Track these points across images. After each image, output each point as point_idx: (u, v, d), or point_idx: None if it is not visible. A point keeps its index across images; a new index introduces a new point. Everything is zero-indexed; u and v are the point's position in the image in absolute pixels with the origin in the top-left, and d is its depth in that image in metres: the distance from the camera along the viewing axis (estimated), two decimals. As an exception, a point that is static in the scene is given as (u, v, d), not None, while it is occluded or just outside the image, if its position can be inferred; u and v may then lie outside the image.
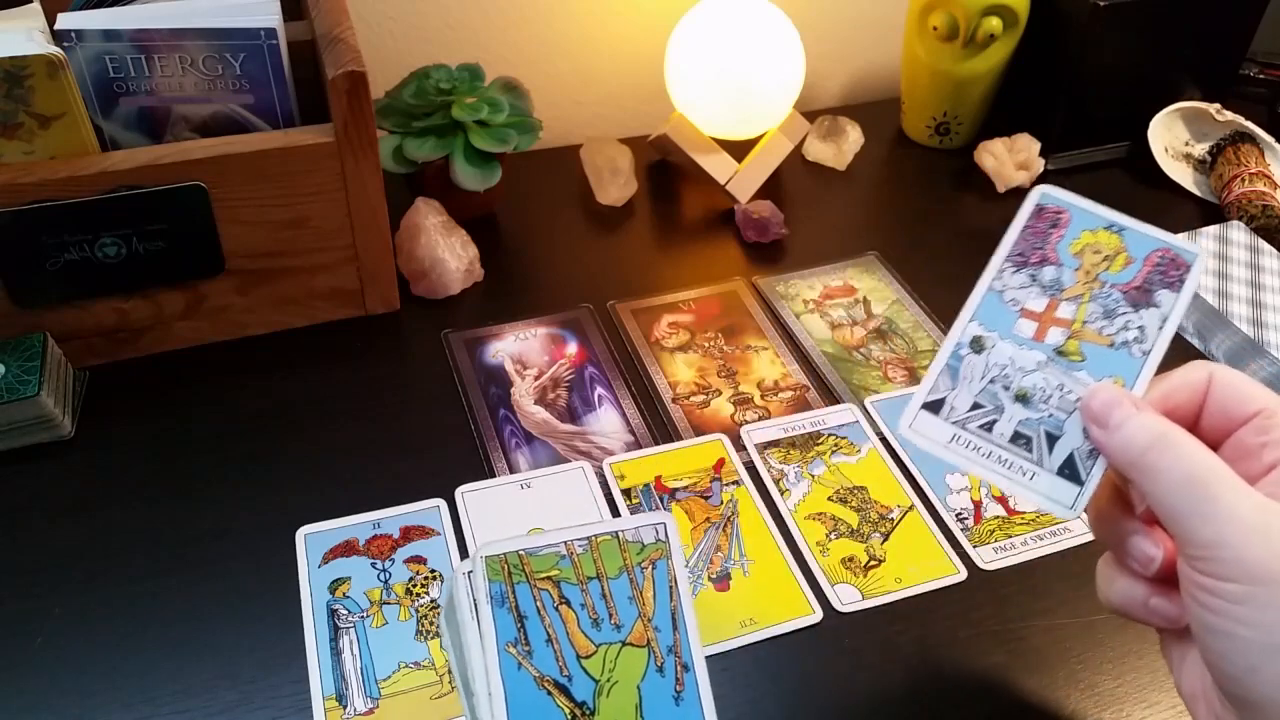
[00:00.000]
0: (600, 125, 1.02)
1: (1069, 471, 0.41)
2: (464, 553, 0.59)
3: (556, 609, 0.42)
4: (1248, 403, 0.39)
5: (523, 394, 0.70)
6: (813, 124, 0.95)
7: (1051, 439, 0.41)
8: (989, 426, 0.42)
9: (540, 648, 0.41)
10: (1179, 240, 0.43)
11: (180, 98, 0.68)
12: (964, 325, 0.43)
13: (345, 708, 0.52)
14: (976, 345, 0.43)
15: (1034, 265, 0.44)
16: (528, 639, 0.41)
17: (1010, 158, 0.92)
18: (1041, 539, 0.62)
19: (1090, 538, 0.62)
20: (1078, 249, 0.44)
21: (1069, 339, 0.42)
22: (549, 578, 0.43)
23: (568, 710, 0.40)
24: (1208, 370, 0.40)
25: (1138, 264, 0.43)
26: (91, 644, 0.54)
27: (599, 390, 0.70)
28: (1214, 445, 0.39)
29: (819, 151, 0.96)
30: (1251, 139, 0.92)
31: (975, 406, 0.42)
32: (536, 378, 0.71)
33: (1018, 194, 0.92)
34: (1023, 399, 0.42)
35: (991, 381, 0.42)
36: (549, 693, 0.40)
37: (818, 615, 0.57)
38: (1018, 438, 0.42)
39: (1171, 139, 0.96)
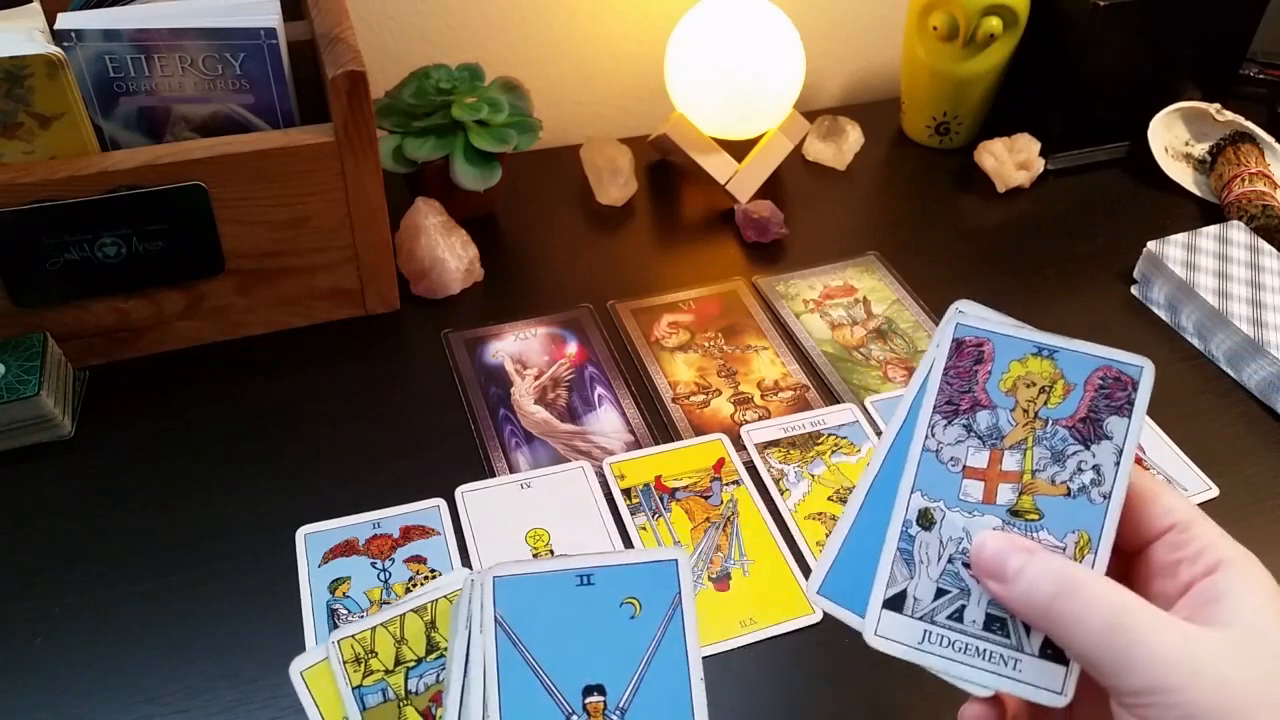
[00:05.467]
0: (600, 125, 1.02)
1: (1052, 651, 0.36)
2: (464, 553, 0.59)
3: None
4: (1163, 516, 0.37)
5: (523, 394, 0.70)
6: (813, 124, 0.95)
7: None
8: (959, 615, 0.38)
9: None
10: (1120, 354, 0.39)
11: (180, 98, 0.68)
12: (906, 498, 0.39)
13: (345, 708, 0.52)
14: (925, 520, 0.38)
15: (965, 413, 0.39)
16: None
17: (1010, 158, 0.92)
18: (1042, 539, 0.62)
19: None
20: (1009, 385, 0.39)
21: (1021, 495, 0.38)
22: None
23: None
24: None
25: (1079, 390, 0.39)
26: (91, 644, 0.54)
27: (599, 390, 0.70)
28: (1128, 558, 0.37)
29: (819, 151, 0.96)
30: (1251, 139, 0.92)
31: (940, 594, 0.38)
32: (536, 377, 0.71)
33: (1018, 194, 0.93)
34: None
35: (950, 561, 0.38)
36: None
37: (818, 615, 0.57)
38: (991, 621, 0.37)
39: (1171, 139, 0.96)
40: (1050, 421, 0.39)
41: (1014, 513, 0.38)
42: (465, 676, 0.42)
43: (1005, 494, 0.38)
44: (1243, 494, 0.65)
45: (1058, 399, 0.39)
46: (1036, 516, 0.38)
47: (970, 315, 0.40)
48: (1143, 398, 0.38)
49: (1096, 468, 0.38)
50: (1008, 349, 0.40)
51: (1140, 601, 0.34)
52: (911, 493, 0.39)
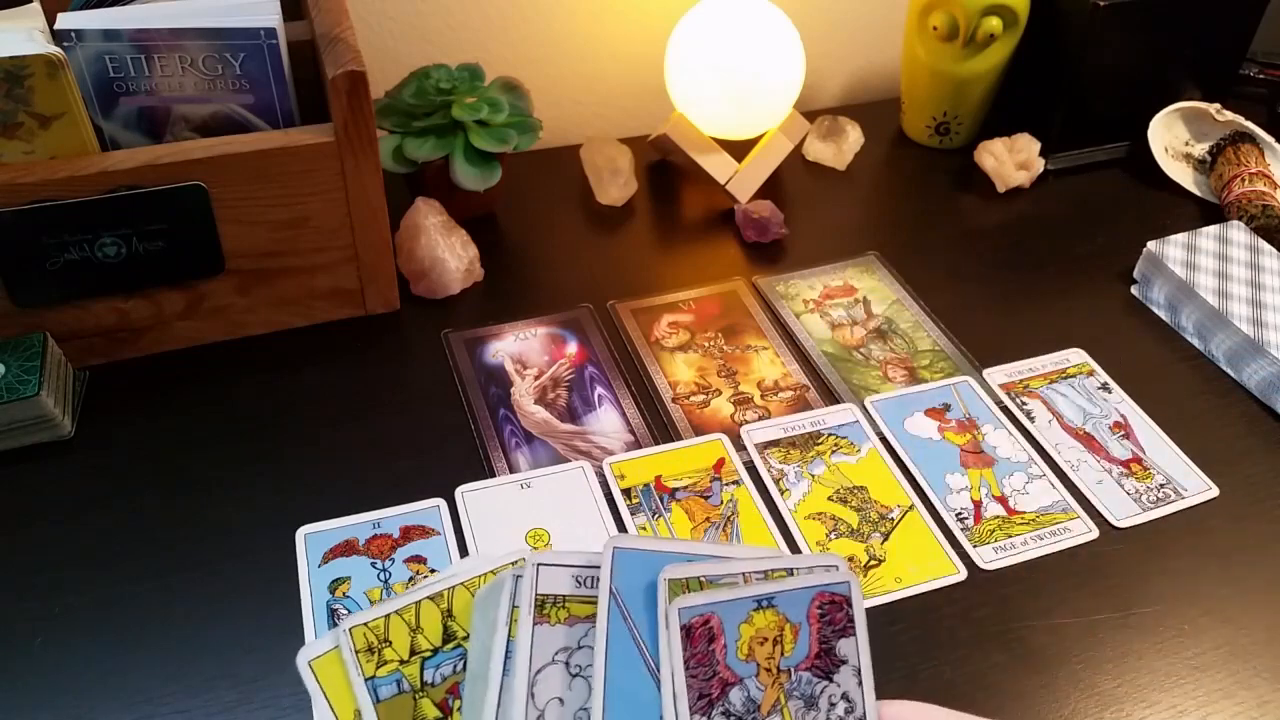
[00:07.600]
0: (600, 125, 1.02)
1: None
2: (464, 553, 0.59)
3: None
4: None
5: (523, 394, 0.70)
6: (813, 124, 0.95)
7: None
8: None
9: None
10: (824, 570, 0.40)
11: (180, 98, 0.69)
12: None
13: (345, 708, 0.51)
14: None
15: (719, 700, 0.38)
16: None
17: (1010, 158, 0.92)
18: (1041, 539, 0.62)
19: (1091, 537, 0.62)
20: (745, 650, 0.38)
21: None
22: None
23: None
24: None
25: (805, 628, 0.39)
26: (91, 644, 0.54)
27: (599, 390, 0.70)
28: None
29: (819, 151, 0.96)
30: (1251, 139, 0.92)
31: None
32: (536, 377, 0.71)
33: (1018, 194, 0.93)
34: None
35: None
36: None
37: (818, 615, 0.57)
38: None
39: (1171, 139, 0.96)
40: (792, 670, 0.38)
41: None
42: (505, 675, 0.40)
43: None
44: (1243, 494, 0.65)
45: (790, 645, 0.39)
46: None
47: (686, 598, 0.38)
48: (859, 613, 0.39)
49: (845, 695, 0.38)
50: (732, 614, 0.39)
51: None
52: None
